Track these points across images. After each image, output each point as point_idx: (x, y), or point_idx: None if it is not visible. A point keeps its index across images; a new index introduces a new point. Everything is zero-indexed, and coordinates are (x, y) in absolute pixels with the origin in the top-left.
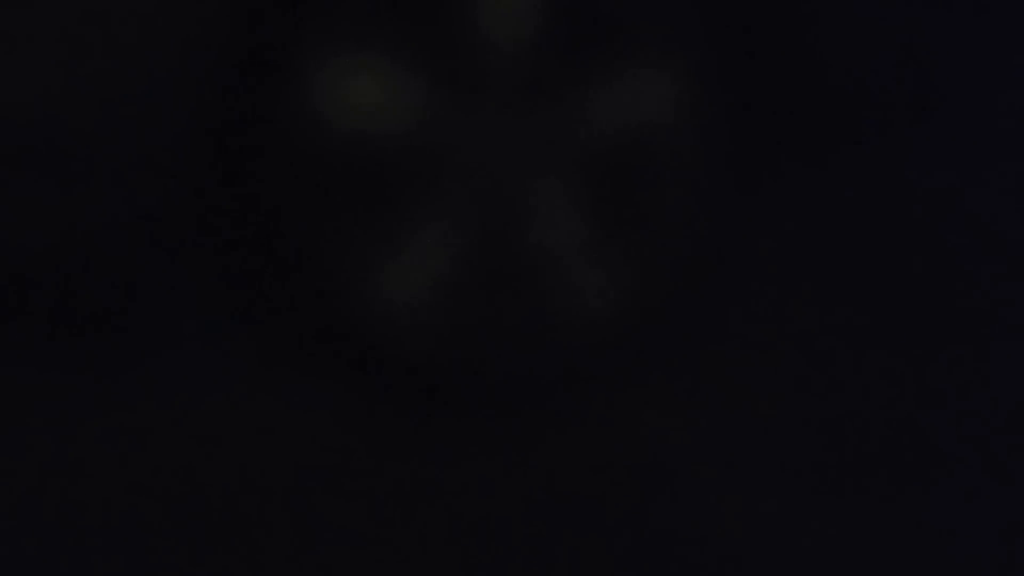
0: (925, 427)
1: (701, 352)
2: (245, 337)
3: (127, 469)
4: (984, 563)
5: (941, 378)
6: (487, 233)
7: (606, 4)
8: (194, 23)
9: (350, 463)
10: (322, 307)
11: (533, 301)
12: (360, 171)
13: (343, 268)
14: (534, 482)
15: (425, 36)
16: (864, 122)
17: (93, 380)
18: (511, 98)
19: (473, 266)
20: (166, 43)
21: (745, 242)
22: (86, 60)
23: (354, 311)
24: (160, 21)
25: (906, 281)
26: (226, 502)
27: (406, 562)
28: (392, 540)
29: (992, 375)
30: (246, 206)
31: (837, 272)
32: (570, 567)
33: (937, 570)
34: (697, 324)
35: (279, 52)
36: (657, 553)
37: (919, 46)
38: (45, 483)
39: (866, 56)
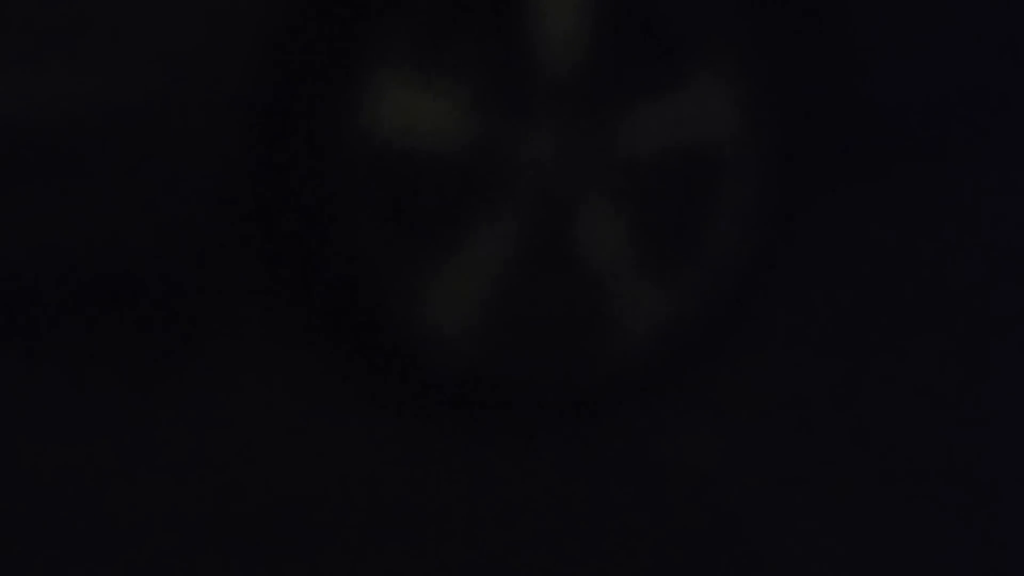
0: (958, 453)
1: (746, 369)
2: (291, 347)
3: (160, 475)
4: None
5: (981, 406)
6: (536, 249)
7: (658, 22)
8: (247, 33)
9: (389, 477)
10: (371, 320)
11: (581, 316)
12: (408, 186)
13: (391, 281)
14: (575, 493)
15: (475, 53)
16: (920, 142)
17: (131, 383)
18: (562, 114)
19: (521, 281)
20: (217, 50)
21: (794, 260)
22: (136, 65)
23: (401, 323)
24: (210, 28)
25: (957, 308)
26: (261, 513)
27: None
28: (434, 551)
29: None
30: (297, 218)
31: (885, 294)
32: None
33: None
34: (743, 341)
35: (331, 66)
36: (692, 563)
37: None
38: (76, 485)
39: (923, 76)
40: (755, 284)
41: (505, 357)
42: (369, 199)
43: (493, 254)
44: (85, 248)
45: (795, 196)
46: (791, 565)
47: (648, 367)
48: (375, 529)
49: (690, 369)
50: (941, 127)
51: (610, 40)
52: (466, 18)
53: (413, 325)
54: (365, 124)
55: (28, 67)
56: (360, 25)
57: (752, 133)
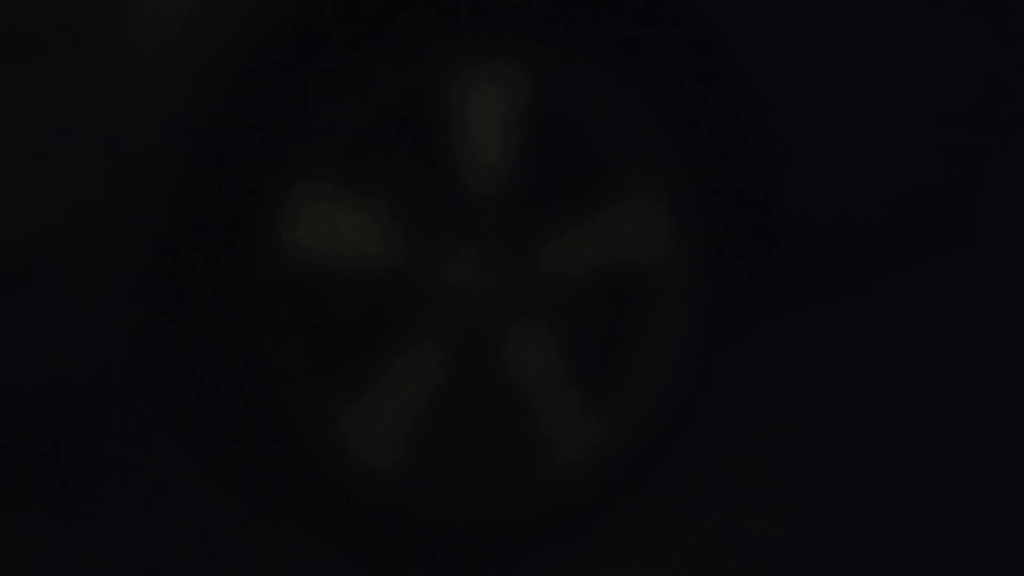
0: None
1: (681, 495)
2: (205, 485)
3: None
4: None
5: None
6: (463, 375)
7: (584, 142)
8: (163, 147)
9: None
10: (288, 452)
11: (511, 444)
12: (329, 309)
13: (309, 410)
14: None
15: (399, 172)
16: (859, 257)
17: (55, 525)
18: (488, 235)
19: (448, 409)
20: (131, 165)
21: (732, 383)
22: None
23: (320, 457)
24: (125, 142)
25: (904, 439)
26: None
27: None
28: None
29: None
30: (211, 342)
31: (828, 416)
32: None
33: None
34: (678, 468)
35: (250, 182)
36: None
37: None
38: None
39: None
40: (690, 409)
41: (431, 490)
42: (287, 322)
43: (418, 381)
44: None
45: (732, 317)
46: None
47: (581, 495)
48: None
49: (624, 496)
50: (881, 236)
51: (537, 160)
52: (390, 136)
53: (333, 458)
54: (284, 243)
55: None
56: (280, 142)
57: (684, 253)
